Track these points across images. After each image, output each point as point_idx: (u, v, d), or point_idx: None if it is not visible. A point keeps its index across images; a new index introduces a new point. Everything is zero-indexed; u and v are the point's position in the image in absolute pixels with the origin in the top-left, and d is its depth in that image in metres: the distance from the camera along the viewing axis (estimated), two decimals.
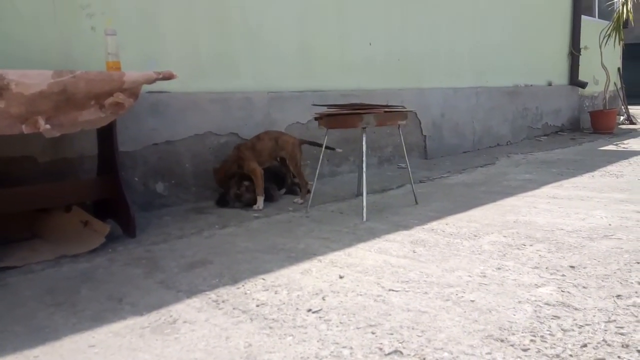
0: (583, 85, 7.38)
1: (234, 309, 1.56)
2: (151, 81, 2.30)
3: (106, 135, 2.45)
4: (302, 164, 3.25)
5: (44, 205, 2.36)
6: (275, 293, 1.67)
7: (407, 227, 2.46)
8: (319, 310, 1.52)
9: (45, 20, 2.61)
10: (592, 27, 7.50)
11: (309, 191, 3.05)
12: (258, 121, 3.53)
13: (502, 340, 1.28)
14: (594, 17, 8.05)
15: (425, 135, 4.90)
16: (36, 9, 2.57)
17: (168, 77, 2.35)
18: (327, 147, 3.06)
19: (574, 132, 7.20)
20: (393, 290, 1.65)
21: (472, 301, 1.53)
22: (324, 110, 2.89)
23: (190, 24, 3.20)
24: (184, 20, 3.16)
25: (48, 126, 2.01)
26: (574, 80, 7.32)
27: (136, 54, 2.89)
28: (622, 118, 8.32)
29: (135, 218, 2.41)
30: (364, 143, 2.75)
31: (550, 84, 6.93)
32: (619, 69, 8.52)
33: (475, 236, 2.25)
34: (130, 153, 2.90)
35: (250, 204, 3.00)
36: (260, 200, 3.00)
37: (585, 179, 3.58)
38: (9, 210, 2.22)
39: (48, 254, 2.14)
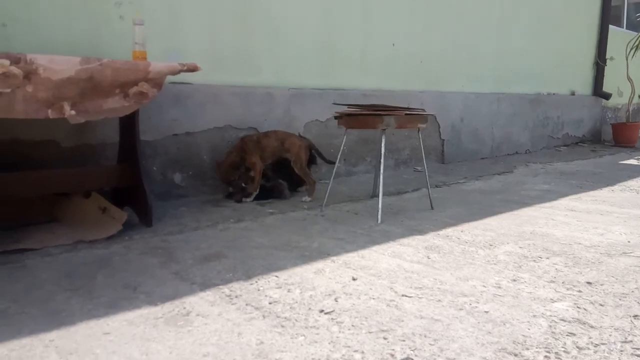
0: (607, 96, 7.26)
1: (246, 304, 1.57)
2: (175, 72, 2.32)
3: (128, 123, 2.48)
4: (319, 162, 3.26)
5: (64, 189, 2.39)
6: (288, 291, 1.68)
7: (422, 232, 2.45)
8: (332, 311, 1.52)
9: (75, 7, 2.64)
10: (620, 37, 7.36)
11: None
12: (278, 117, 3.54)
13: (515, 355, 1.27)
14: (622, 27, 7.90)
15: (443, 139, 4.87)
16: None
17: (192, 69, 2.36)
18: (328, 162, 3.21)
19: (594, 143, 7.09)
20: (406, 296, 1.64)
21: (486, 312, 1.52)
22: (344, 109, 2.89)
23: (214, 18, 3.21)
24: (208, 13, 3.18)
25: (73, 112, 2.04)
26: (598, 91, 7.20)
27: (160, 45, 2.91)
28: None
29: (152, 207, 2.43)
30: (382, 145, 2.74)
31: (573, 94, 6.83)
32: None
33: (491, 245, 2.23)
34: (150, 142, 2.92)
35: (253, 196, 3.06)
36: (252, 195, 3.04)
37: (604, 192, 3.53)
38: (30, 193, 2.27)
39: (66, 238, 2.17)
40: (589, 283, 1.78)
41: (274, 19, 3.51)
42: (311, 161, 3.30)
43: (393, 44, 4.36)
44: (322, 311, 1.52)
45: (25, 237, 2.16)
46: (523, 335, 1.37)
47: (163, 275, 1.81)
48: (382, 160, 2.73)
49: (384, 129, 2.71)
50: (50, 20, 2.56)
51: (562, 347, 1.32)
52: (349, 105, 2.90)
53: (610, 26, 7.19)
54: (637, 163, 5.21)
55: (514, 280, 1.79)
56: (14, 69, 1.87)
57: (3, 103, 1.87)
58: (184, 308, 1.53)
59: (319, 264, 1.95)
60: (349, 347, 1.31)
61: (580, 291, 1.70)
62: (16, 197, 2.27)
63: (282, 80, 3.61)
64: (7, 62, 1.85)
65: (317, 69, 3.85)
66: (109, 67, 2.08)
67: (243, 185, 3.06)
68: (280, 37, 3.57)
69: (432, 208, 2.96)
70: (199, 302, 1.58)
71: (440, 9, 4.73)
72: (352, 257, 2.04)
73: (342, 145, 2.93)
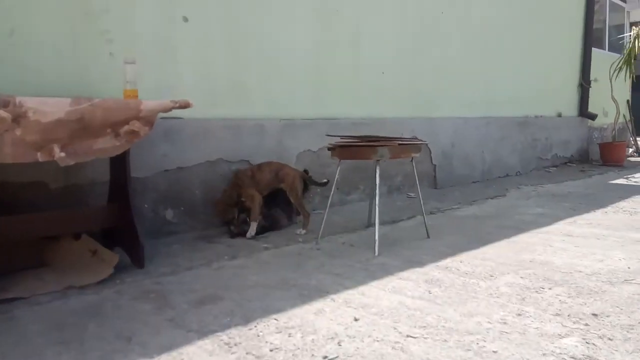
0: (593, 117, 7.37)
1: (246, 353, 1.51)
2: (167, 110, 2.29)
3: (119, 161, 2.43)
4: (314, 192, 3.23)
5: (53, 232, 2.33)
6: (289, 336, 1.62)
7: (420, 263, 2.41)
8: (335, 357, 1.47)
9: (64, 46, 2.61)
10: (603, 59, 7.53)
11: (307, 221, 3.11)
12: (270, 148, 3.51)
13: None
14: (605, 49, 8.08)
15: (435, 165, 4.87)
16: (56, 35, 2.58)
17: (184, 105, 2.34)
18: (320, 184, 3.26)
19: (583, 163, 7.16)
20: (411, 337, 1.60)
21: (495, 352, 1.48)
22: (337, 140, 2.87)
23: (206, 52, 3.21)
24: (200, 48, 3.17)
25: (63, 154, 1.99)
26: (584, 111, 7.32)
27: (151, 80, 2.89)
28: (630, 150, 8.29)
29: (144, 247, 2.37)
30: (377, 176, 2.71)
31: (559, 115, 6.93)
32: (628, 101, 8.52)
33: (492, 276, 2.20)
34: (141, 179, 2.87)
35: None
36: (253, 226, 2.98)
37: (598, 215, 3.53)
38: (18, 237, 2.19)
39: (55, 284, 2.09)
40: (594, 315, 1.75)
41: (265, 51, 3.52)
42: (304, 189, 3.27)
43: (382, 72, 4.39)
44: (325, 357, 1.47)
45: (13, 284, 2.08)
46: None
47: (158, 322, 1.75)
48: (377, 192, 2.70)
49: (378, 160, 2.69)
50: (39, 59, 2.53)
51: None
52: (342, 137, 2.88)
53: (593, 49, 7.35)
54: (626, 182, 5.25)
55: (519, 315, 1.75)
56: (2, 113, 1.83)
57: None
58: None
59: (318, 304, 1.90)
60: None
61: (587, 324, 1.67)
62: (3, 242, 2.19)
63: (274, 111, 3.60)
64: None
65: (308, 99, 3.85)
66: (100, 107, 2.05)
67: (247, 219, 3.00)
68: (271, 69, 3.58)
69: (428, 237, 2.93)
70: (197, 352, 1.52)
71: (427, 36, 4.80)
72: (352, 295, 1.99)
73: (336, 176, 2.91)
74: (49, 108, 1.93)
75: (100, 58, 2.74)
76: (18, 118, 1.87)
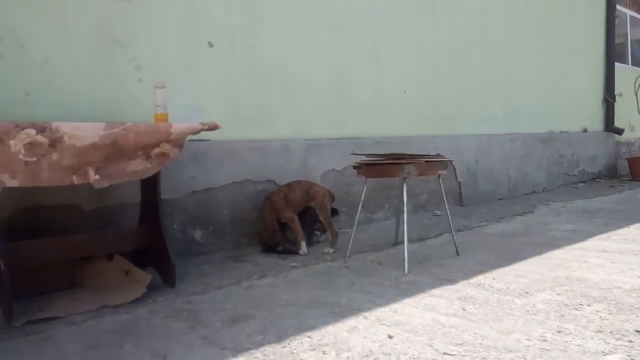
0: (619, 131, 7.24)
1: None
2: (196, 132, 2.34)
3: (150, 183, 2.47)
4: (340, 210, 3.23)
5: (86, 254, 2.37)
6: (324, 353, 1.60)
7: (452, 281, 2.37)
8: None
9: (95, 73, 2.70)
10: (627, 74, 7.42)
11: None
12: (295, 168, 3.54)
13: None
14: (628, 64, 7.98)
15: (460, 182, 4.83)
16: (88, 62, 2.67)
17: (213, 127, 2.39)
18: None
19: (611, 179, 7.00)
20: (448, 354, 1.56)
21: None
22: (363, 159, 2.88)
23: (230, 76, 3.27)
24: (225, 72, 3.24)
25: (97, 177, 2.04)
26: (610, 126, 7.20)
27: (179, 103, 2.95)
28: None
29: (175, 268, 2.39)
30: (404, 193, 2.70)
31: (585, 131, 6.82)
32: None
33: (527, 293, 2.15)
34: (170, 200, 2.92)
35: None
36: (303, 244, 3.02)
37: (632, 230, 3.43)
38: (52, 259, 2.24)
39: (89, 304, 2.12)
40: (638, 332, 1.69)
41: (288, 73, 3.58)
42: (333, 212, 3.28)
43: (404, 92, 4.41)
44: None
45: (48, 305, 2.12)
46: None
47: (191, 340, 1.75)
48: (405, 209, 2.69)
49: (405, 177, 2.68)
50: (72, 86, 2.62)
51: None
52: (368, 155, 2.89)
53: (616, 63, 7.26)
54: None
55: (559, 332, 1.70)
56: (40, 138, 1.90)
57: (29, 172, 1.88)
58: None
59: (351, 321, 1.88)
60: None
61: (631, 341, 1.61)
62: (38, 264, 2.24)
63: (298, 132, 3.64)
64: (33, 131, 1.88)
65: (332, 119, 3.88)
66: (132, 131, 2.10)
67: (291, 239, 3.08)
68: (295, 91, 3.63)
69: (457, 254, 2.89)
70: None
71: (448, 54, 4.81)
72: (385, 312, 1.97)
73: (362, 195, 2.90)
74: (84, 132, 1.99)
75: (130, 84, 2.82)
76: (55, 143, 1.94)
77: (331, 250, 3.04)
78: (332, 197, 3.22)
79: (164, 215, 2.61)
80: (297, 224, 3.04)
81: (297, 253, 3.01)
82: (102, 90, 2.73)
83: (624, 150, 7.67)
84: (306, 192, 3.12)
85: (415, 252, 2.97)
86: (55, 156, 1.93)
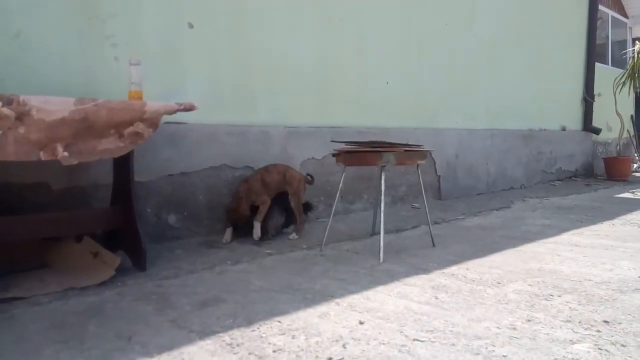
0: (597, 131, 7.36)
1: (249, 354, 1.47)
2: (172, 112, 2.28)
3: (122, 164, 2.41)
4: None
5: (55, 234, 2.30)
6: (293, 338, 1.58)
7: (426, 270, 2.37)
8: (341, 359, 1.43)
9: (70, 49, 2.62)
10: (606, 74, 7.54)
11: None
12: (274, 155, 3.49)
13: None
14: (608, 64, 8.10)
15: (439, 176, 4.85)
16: (62, 38, 2.59)
17: (189, 108, 2.33)
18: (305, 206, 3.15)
19: (587, 177, 7.12)
20: (418, 340, 1.56)
21: (505, 356, 1.43)
22: (342, 146, 2.85)
23: (211, 58, 3.21)
24: (205, 54, 3.18)
25: (66, 154, 1.98)
26: (588, 126, 7.31)
27: (157, 84, 2.89)
28: (635, 165, 8.25)
29: (146, 251, 2.34)
30: (382, 182, 2.69)
31: (564, 129, 6.91)
32: (632, 116, 8.52)
33: (499, 284, 2.15)
34: (144, 183, 2.86)
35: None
36: (257, 227, 2.97)
37: (605, 227, 3.49)
38: (19, 238, 2.17)
39: (56, 285, 2.06)
40: (606, 322, 1.71)
41: (271, 58, 3.53)
42: (307, 208, 3.26)
43: (387, 82, 4.39)
44: (330, 359, 1.43)
45: (13, 285, 2.05)
46: None
47: (159, 323, 1.71)
48: (382, 198, 2.68)
49: (384, 166, 2.67)
50: (45, 61, 2.53)
51: None
52: (347, 143, 2.87)
53: (597, 63, 7.37)
54: (632, 196, 5.21)
55: (529, 321, 1.71)
56: (6, 111, 1.82)
57: None
58: (183, 359, 1.43)
59: (323, 307, 1.86)
60: None
61: (599, 331, 1.62)
62: (4, 243, 2.17)
63: (279, 118, 3.60)
64: None
65: (313, 107, 3.85)
66: (104, 108, 2.04)
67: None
68: (278, 77, 3.58)
69: (433, 245, 2.89)
70: (199, 352, 1.48)
71: (432, 47, 4.81)
72: (357, 299, 1.95)
73: (340, 184, 2.88)
74: (53, 107, 1.92)
75: (106, 62, 2.75)
76: (22, 116, 1.86)
77: (296, 237, 3.03)
78: (308, 183, 3.19)
79: (137, 198, 2.56)
80: (265, 208, 2.98)
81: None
82: (77, 67, 2.64)
83: (600, 150, 7.80)
84: (283, 175, 3.08)
85: (392, 243, 2.97)
86: (22, 130, 1.86)
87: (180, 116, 2.84)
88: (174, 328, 1.66)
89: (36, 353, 1.47)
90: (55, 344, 1.53)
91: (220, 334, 1.61)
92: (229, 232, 2.98)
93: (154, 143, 2.86)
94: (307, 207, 3.31)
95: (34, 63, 2.50)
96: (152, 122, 2.23)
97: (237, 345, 1.52)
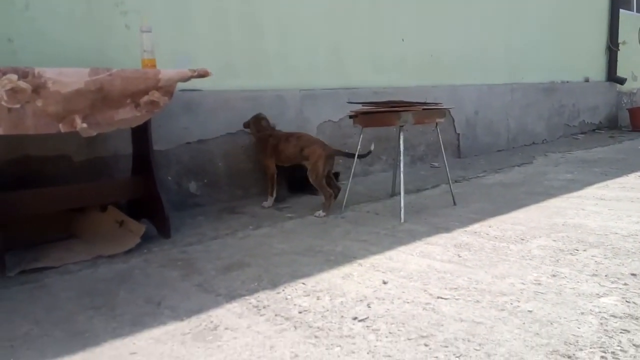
0: (621, 81, 7.10)
1: (275, 315, 1.49)
2: (186, 79, 2.26)
3: (141, 134, 2.42)
4: (337, 163, 3.12)
5: (80, 204, 2.34)
6: (318, 299, 1.60)
7: (448, 229, 2.36)
8: (366, 318, 1.44)
9: (80, 18, 2.59)
10: (631, 21, 7.20)
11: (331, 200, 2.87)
12: (290, 119, 3.47)
13: (569, 357, 1.18)
14: (633, 11, 7.73)
15: (458, 134, 4.77)
16: (71, 7, 2.56)
17: (203, 74, 2.30)
18: (360, 156, 2.86)
19: (612, 129, 6.93)
20: (442, 298, 1.56)
21: (530, 312, 1.43)
22: (359, 107, 2.81)
23: (222, 22, 3.15)
24: (216, 18, 3.12)
25: (85, 125, 1.98)
26: (612, 76, 7.05)
27: (169, 51, 2.85)
28: None
29: (169, 218, 2.37)
30: (401, 142, 2.65)
31: (587, 80, 6.69)
32: None
33: (523, 240, 2.14)
34: (163, 152, 2.87)
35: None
36: (270, 199, 3.00)
37: (631, 179, 3.41)
38: (45, 210, 2.21)
39: (84, 254, 2.11)
40: (633, 275, 1.69)
41: (282, 20, 3.45)
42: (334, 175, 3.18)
43: (402, 39, 4.27)
44: (355, 318, 1.45)
45: (43, 255, 2.11)
46: (574, 335, 1.28)
47: (186, 288, 1.75)
48: (401, 158, 2.65)
49: (402, 126, 2.62)
50: (55, 32, 2.51)
51: (618, 346, 1.23)
52: (364, 104, 2.82)
53: (621, 10, 7.03)
54: None
55: (554, 276, 1.70)
56: (22, 84, 1.82)
57: (13, 119, 1.82)
58: (211, 322, 1.46)
59: (345, 269, 1.88)
60: (389, 356, 1.23)
61: (626, 284, 1.61)
62: (32, 215, 2.22)
63: (293, 82, 3.54)
64: (15, 76, 1.80)
65: (328, 69, 3.78)
66: (118, 77, 2.03)
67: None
68: (289, 39, 3.50)
69: (454, 204, 2.87)
70: (226, 314, 1.51)
71: (447, 1, 4.64)
72: (380, 260, 1.96)
73: (359, 145, 2.85)
74: (68, 78, 1.92)
75: (117, 30, 2.71)
76: (38, 89, 1.86)
77: (322, 214, 2.76)
78: (331, 158, 2.89)
79: (157, 167, 2.57)
80: (270, 177, 2.97)
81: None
82: (87, 37, 2.62)
83: (625, 101, 7.55)
84: (301, 149, 2.86)
85: (412, 203, 2.95)
86: (39, 103, 1.86)
87: (194, 83, 2.81)
88: (201, 292, 1.70)
89: (69, 320, 1.52)
90: (87, 310, 1.58)
91: (246, 297, 1.64)
92: (270, 200, 3.01)
93: (170, 111, 2.85)
94: (337, 177, 3.21)
95: (45, 35, 2.48)
96: (167, 90, 2.21)
97: (264, 307, 1.55)
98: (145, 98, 2.16)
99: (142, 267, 1.98)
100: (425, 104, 2.82)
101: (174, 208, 2.86)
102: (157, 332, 1.42)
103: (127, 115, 2.13)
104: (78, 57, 2.56)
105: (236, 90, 3.22)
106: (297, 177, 3.16)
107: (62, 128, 1.94)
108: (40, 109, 1.87)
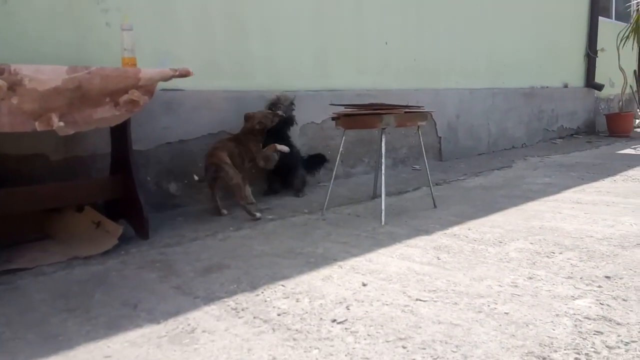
0: (599, 87, 7.25)
1: (254, 317, 1.48)
2: (167, 78, 2.24)
3: (120, 133, 2.39)
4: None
5: (55, 204, 2.30)
6: (297, 301, 1.60)
7: (428, 232, 2.38)
8: (344, 320, 1.44)
9: (60, 15, 2.55)
10: (609, 28, 7.36)
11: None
12: None
13: (544, 358, 1.20)
14: (611, 18, 7.90)
15: (440, 137, 4.81)
16: (51, 3, 2.51)
17: (184, 74, 2.29)
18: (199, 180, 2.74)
19: (589, 135, 7.07)
20: (421, 300, 1.57)
21: (507, 313, 1.45)
22: (342, 109, 2.82)
23: (206, 21, 3.13)
24: (200, 17, 3.10)
25: (62, 123, 1.95)
26: (590, 82, 7.19)
27: (151, 50, 2.82)
28: (638, 121, 8.16)
29: (148, 219, 2.34)
30: (382, 144, 2.67)
31: (566, 86, 6.81)
32: (635, 71, 8.35)
33: (501, 242, 2.16)
34: (143, 152, 2.83)
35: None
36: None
37: (607, 183, 3.48)
38: (20, 210, 2.17)
39: (59, 255, 2.07)
40: (607, 277, 1.72)
41: (267, 21, 3.44)
42: (321, 160, 3.27)
43: (386, 43, 4.30)
44: (334, 321, 1.45)
45: (16, 256, 2.06)
46: (549, 337, 1.30)
47: (163, 290, 1.73)
48: (382, 160, 2.66)
49: (384, 128, 2.64)
50: (34, 29, 2.47)
51: (592, 348, 1.25)
52: (346, 106, 2.82)
53: (600, 17, 7.18)
54: (634, 152, 5.18)
55: (530, 278, 1.72)
56: None
57: None
58: (189, 325, 1.45)
59: (325, 270, 1.87)
60: (367, 358, 1.23)
61: (600, 286, 1.64)
62: (6, 214, 2.17)
63: (276, 83, 3.53)
64: None
65: (311, 70, 3.78)
66: (97, 75, 2.00)
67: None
68: (273, 40, 3.50)
69: (435, 207, 2.89)
70: (204, 317, 1.50)
71: (431, 6, 4.68)
72: (360, 262, 1.96)
73: (341, 147, 2.86)
74: (45, 76, 1.88)
75: (97, 28, 2.67)
76: (14, 86, 1.83)
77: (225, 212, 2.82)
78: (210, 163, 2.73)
79: (137, 167, 2.54)
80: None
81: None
82: (67, 34, 2.58)
83: (603, 107, 7.71)
84: (210, 155, 2.76)
85: (393, 205, 2.97)
86: (15, 100, 1.82)
87: (176, 83, 2.78)
88: (179, 294, 1.68)
89: (43, 322, 1.49)
90: (61, 312, 1.55)
91: (225, 299, 1.62)
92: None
93: (150, 111, 2.82)
94: (321, 158, 3.29)
95: (23, 31, 2.44)
96: (148, 89, 2.19)
97: (242, 310, 1.54)
98: (125, 97, 2.14)
99: (119, 269, 1.95)
100: (407, 107, 2.84)
101: (154, 209, 2.83)
102: (132, 335, 1.39)
103: (106, 114, 2.11)
104: (57, 53, 2.51)
105: (219, 91, 3.20)
106: (277, 178, 3.17)
107: (39, 126, 1.90)
108: (16, 106, 1.84)
